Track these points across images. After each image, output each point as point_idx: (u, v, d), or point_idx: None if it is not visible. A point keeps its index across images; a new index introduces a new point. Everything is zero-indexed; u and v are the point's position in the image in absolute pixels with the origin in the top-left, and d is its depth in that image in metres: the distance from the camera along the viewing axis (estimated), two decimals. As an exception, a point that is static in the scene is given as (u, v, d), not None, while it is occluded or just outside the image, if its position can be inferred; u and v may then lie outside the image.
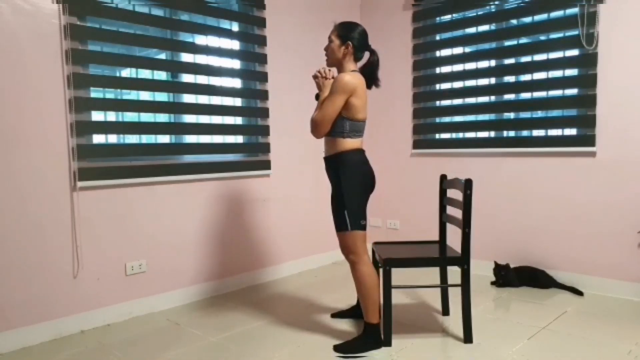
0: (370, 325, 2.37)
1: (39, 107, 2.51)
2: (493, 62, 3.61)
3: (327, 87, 2.35)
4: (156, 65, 3.07)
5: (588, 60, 3.14)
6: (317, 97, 2.42)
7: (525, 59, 3.44)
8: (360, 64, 2.45)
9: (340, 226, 2.36)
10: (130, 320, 2.84)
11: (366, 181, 2.39)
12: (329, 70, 2.42)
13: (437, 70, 3.96)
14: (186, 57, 3.15)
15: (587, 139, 3.17)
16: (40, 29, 2.49)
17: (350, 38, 2.35)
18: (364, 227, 2.35)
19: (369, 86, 2.42)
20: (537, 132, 3.46)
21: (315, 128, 2.32)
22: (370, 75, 2.43)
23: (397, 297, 3.07)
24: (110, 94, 3.01)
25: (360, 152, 2.38)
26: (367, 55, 2.46)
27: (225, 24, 3.37)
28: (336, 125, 2.31)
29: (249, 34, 3.53)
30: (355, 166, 2.35)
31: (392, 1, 4.11)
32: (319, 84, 2.40)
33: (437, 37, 3.95)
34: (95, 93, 2.79)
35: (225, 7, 3.32)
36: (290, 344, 2.47)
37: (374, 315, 2.36)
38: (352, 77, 2.27)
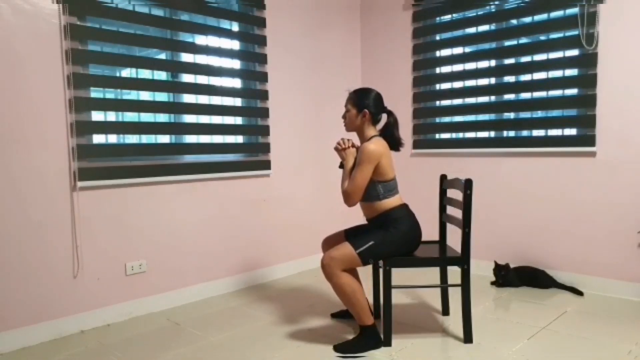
0: (366, 327, 2.37)
1: (39, 107, 2.51)
2: (493, 62, 3.61)
3: (350, 156, 2.43)
4: (156, 65, 3.07)
5: (588, 60, 3.14)
6: (342, 165, 2.48)
7: (525, 59, 3.43)
8: (380, 125, 2.51)
9: (355, 243, 2.34)
10: (130, 320, 2.84)
11: (412, 241, 2.41)
12: (348, 140, 2.49)
13: (437, 70, 3.96)
14: (186, 57, 3.15)
15: (587, 139, 3.17)
16: (40, 29, 2.49)
17: (366, 105, 2.42)
18: (366, 262, 2.35)
19: (392, 148, 2.46)
20: (537, 132, 3.46)
21: (349, 198, 2.36)
22: (391, 136, 2.46)
23: (397, 297, 3.07)
24: (110, 94, 3.01)
25: (403, 207, 2.43)
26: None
27: (225, 24, 3.37)
28: (369, 190, 2.36)
29: (249, 34, 3.53)
30: (404, 219, 2.38)
31: (392, 1, 4.11)
32: (342, 155, 2.47)
33: (437, 37, 3.95)
34: (95, 93, 2.79)
35: (225, 7, 3.32)
36: (290, 344, 2.47)
37: (366, 317, 2.36)
38: (376, 145, 2.33)
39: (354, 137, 2.54)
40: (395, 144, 2.49)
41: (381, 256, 2.36)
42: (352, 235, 2.47)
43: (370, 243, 2.32)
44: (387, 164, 2.37)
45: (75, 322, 2.66)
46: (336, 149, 2.51)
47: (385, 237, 2.34)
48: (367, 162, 2.30)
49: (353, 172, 2.36)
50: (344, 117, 2.51)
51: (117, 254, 2.82)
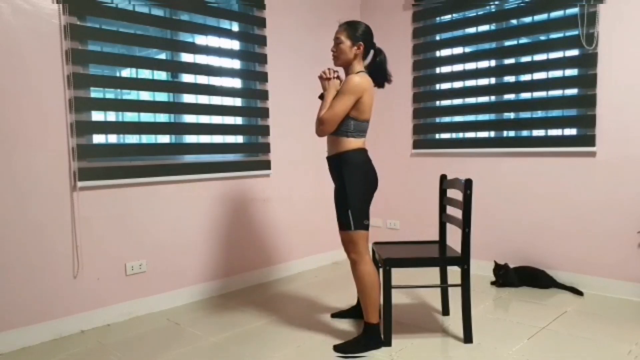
0: (370, 326, 2.37)
1: (39, 107, 2.51)
2: (493, 62, 3.61)
3: (333, 88, 2.38)
4: (156, 65, 3.07)
5: (588, 60, 3.14)
6: (322, 96, 2.44)
7: (525, 59, 3.44)
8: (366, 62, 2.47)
9: (344, 225, 2.36)
10: (130, 320, 2.84)
11: (369, 181, 2.40)
12: (335, 71, 2.44)
13: (437, 70, 3.96)
14: (186, 57, 3.15)
15: (587, 139, 3.17)
16: (40, 29, 2.49)
17: (362, 39, 2.38)
18: (366, 227, 2.37)
19: (380, 84, 2.44)
20: (537, 132, 3.46)
21: (322, 126, 2.33)
22: (380, 73, 2.43)
23: (397, 297, 3.07)
24: (110, 94, 3.01)
25: (363, 151, 2.39)
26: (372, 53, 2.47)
27: (225, 24, 3.37)
28: (341, 124, 2.33)
29: (249, 34, 3.53)
30: (359, 166, 2.36)
31: (392, 1, 4.11)
32: (325, 85, 2.43)
33: (437, 37, 3.95)
34: (95, 93, 2.79)
35: (225, 7, 3.32)
36: (290, 344, 2.47)
37: (374, 315, 2.36)
38: (362, 79, 2.30)
39: (340, 71, 2.48)
40: (383, 78, 2.45)
41: (362, 206, 2.35)
42: (337, 220, 2.43)
43: (349, 214, 2.32)
44: (368, 102, 2.33)
45: (75, 322, 2.66)
46: (320, 77, 2.45)
47: (352, 193, 2.32)
48: (350, 93, 2.27)
49: (333, 101, 2.32)
50: (334, 49, 2.43)
51: (117, 254, 2.82)
